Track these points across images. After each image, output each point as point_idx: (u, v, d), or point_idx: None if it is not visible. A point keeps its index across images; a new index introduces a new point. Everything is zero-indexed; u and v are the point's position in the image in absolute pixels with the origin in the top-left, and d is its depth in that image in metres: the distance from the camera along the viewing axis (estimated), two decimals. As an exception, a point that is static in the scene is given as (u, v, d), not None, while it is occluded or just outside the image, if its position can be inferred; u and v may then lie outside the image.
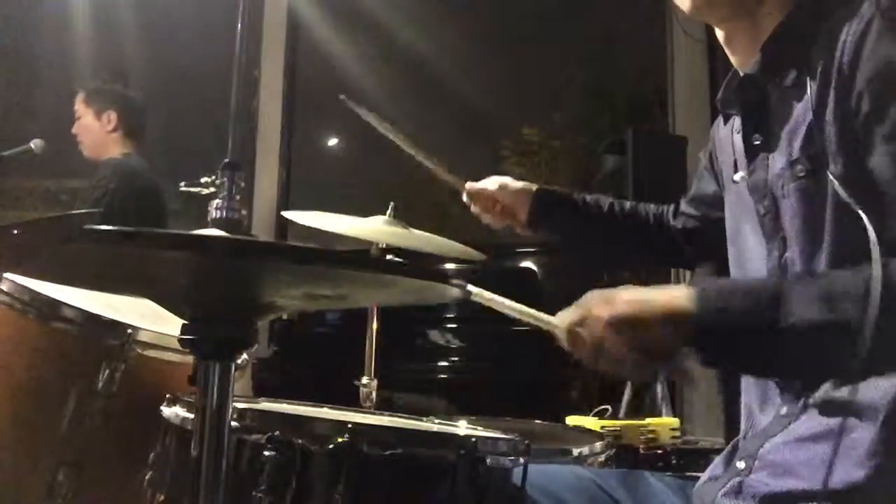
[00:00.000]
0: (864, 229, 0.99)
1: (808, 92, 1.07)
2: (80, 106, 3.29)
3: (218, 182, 1.03)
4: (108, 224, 0.69)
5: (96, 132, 3.26)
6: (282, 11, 4.35)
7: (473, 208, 1.71)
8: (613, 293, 1.08)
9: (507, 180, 1.67)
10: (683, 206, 1.55)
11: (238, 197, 1.02)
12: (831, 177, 1.03)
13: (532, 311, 1.20)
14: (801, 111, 1.08)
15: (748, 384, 1.19)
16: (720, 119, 1.33)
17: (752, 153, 1.17)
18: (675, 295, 1.04)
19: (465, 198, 1.71)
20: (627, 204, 1.63)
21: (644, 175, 3.28)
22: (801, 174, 1.06)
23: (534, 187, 1.66)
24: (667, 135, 4.01)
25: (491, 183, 1.67)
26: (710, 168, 1.44)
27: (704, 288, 1.04)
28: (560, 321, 1.12)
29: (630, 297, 1.06)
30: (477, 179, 1.71)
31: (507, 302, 1.24)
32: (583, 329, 1.08)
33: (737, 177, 1.22)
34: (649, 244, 1.63)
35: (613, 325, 1.04)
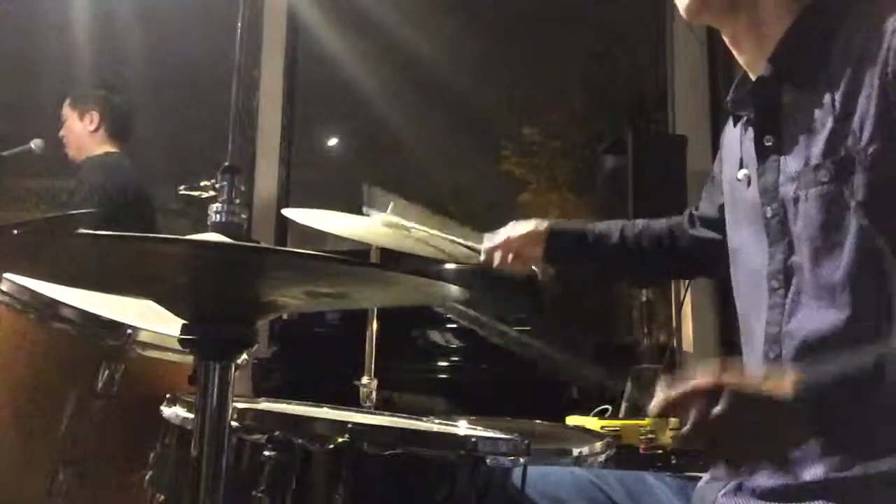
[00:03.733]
0: (887, 236, 0.99)
1: (830, 95, 1.05)
2: (66, 109, 3.39)
3: (218, 185, 1.03)
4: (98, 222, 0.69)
5: (79, 133, 3.34)
6: (282, 11, 4.35)
7: (494, 264, 1.67)
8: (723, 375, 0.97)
9: (516, 227, 1.64)
10: (697, 215, 1.51)
11: (238, 200, 1.03)
12: (860, 185, 1.01)
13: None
14: (821, 115, 1.06)
15: None
16: (730, 122, 1.32)
17: (762, 155, 1.16)
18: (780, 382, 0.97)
19: (481, 259, 1.68)
20: (639, 225, 1.59)
21: (644, 175, 3.28)
22: (825, 179, 1.05)
23: (544, 226, 1.63)
24: (667, 135, 4.01)
25: (501, 235, 1.65)
26: (719, 175, 1.41)
27: (807, 378, 0.97)
28: (659, 400, 0.99)
29: (739, 379, 0.97)
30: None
31: None
32: (690, 403, 0.97)
33: (740, 174, 1.21)
34: (666, 261, 1.60)
35: (734, 401, 0.94)
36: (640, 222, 1.60)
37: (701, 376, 0.97)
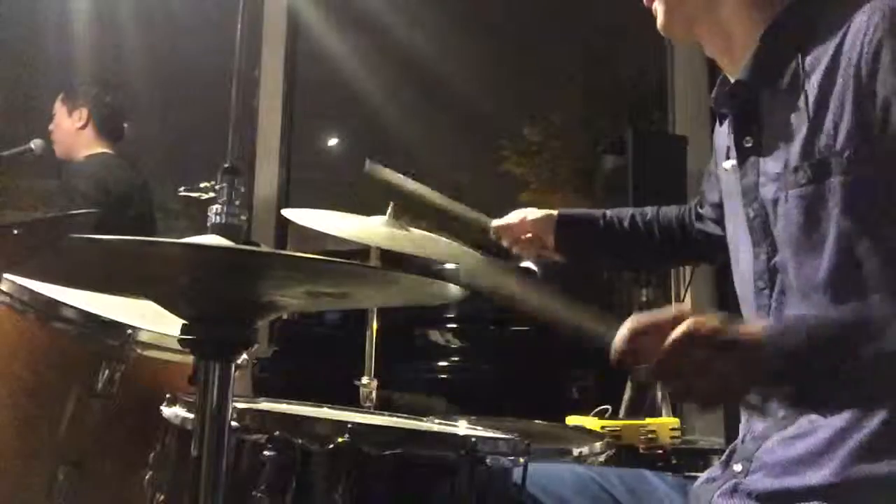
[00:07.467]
0: (866, 235, 1.00)
1: (805, 98, 1.06)
2: (57, 105, 3.31)
3: (217, 187, 1.03)
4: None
5: (67, 129, 3.25)
6: (282, 11, 4.34)
7: (504, 243, 1.73)
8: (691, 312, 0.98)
9: (529, 211, 1.69)
10: (701, 212, 1.54)
11: (237, 202, 1.03)
12: (838, 186, 1.02)
13: (588, 315, 1.12)
14: (797, 117, 1.07)
15: None
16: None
17: (742, 155, 1.17)
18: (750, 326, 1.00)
19: (492, 235, 1.73)
20: (649, 213, 1.62)
21: (644, 175, 3.28)
22: (803, 181, 1.05)
23: (555, 213, 1.67)
24: (667, 135, 4.01)
25: (514, 216, 1.69)
26: (714, 170, 1.43)
27: (776, 324, 1.02)
28: (625, 323, 1.02)
29: (708, 317, 0.98)
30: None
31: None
32: (651, 336, 0.98)
33: (727, 164, 1.22)
34: (674, 250, 1.63)
35: (693, 337, 0.95)
36: (649, 210, 1.63)
37: (662, 315, 0.99)
